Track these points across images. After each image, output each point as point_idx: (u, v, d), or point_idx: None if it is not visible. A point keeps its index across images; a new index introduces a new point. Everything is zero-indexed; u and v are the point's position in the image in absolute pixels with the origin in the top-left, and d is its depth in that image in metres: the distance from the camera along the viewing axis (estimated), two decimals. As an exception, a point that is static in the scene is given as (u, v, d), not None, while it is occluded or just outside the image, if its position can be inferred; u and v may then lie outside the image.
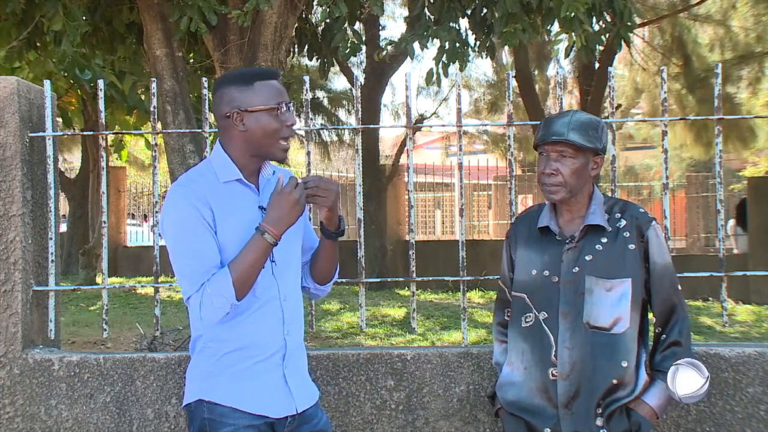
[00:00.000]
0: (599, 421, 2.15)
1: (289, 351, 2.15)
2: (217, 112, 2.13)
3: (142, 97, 8.55)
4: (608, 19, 5.65)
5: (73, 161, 20.02)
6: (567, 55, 5.70)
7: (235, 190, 2.11)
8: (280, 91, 2.11)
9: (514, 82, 12.14)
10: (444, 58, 5.35)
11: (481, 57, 5.45)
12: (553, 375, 2.19)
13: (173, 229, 2.06)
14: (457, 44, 5.35)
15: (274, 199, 2.05)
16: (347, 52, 5.17)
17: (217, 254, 2.05)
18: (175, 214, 2.06)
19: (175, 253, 2.06)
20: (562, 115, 2.25)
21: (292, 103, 2.14)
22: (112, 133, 3.62)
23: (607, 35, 5.70)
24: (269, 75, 2.13)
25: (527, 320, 2.27)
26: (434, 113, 15.87)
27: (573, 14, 4.90)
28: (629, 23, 5.58)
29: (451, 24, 5.39)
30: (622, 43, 5.69)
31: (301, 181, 2.09)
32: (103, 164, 3.04)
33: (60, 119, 9.44)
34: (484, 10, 5.63)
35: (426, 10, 5.56)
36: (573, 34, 5.09)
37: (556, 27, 5.58)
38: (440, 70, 5.44)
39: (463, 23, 5.92)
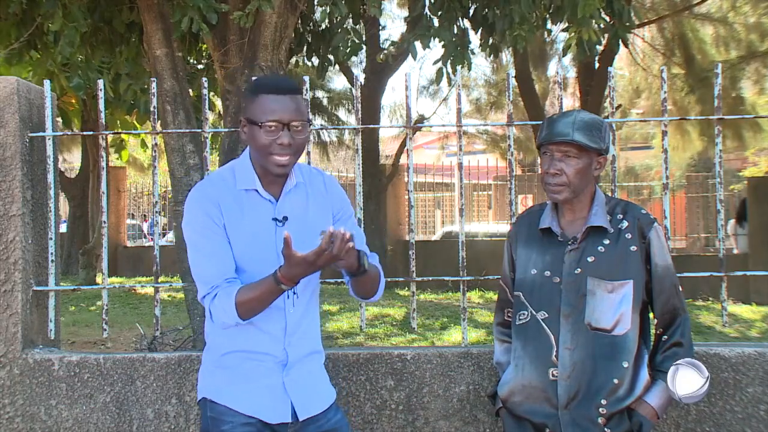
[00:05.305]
0: (601, 420, 2.15)
1: (291, 362, 2.12)
2: None
3: (140, 97, 8.53)
4: (607, 19, 5.65)
5: (73, 161, 20.02)
6: (564, 54, 5.70)
7: (250, 198, 2.10)
8: (278, 108, 2.01)
9: (513, 82, 12.14)
10: (449, 60, 5.34)
11: (485, 58, 5.44)
12: (553, 375, 2.19)
13: (189, 232, 2.09)
14: (459, 47, 5.34)
15: (295, 261, 1.88)
16: (348, 52, 5.16)
17: (230, 258, 2.05)
18: (189, 217, 2.09)
19: (191, 255, 2.09)
20: (565, 114, 2.24)
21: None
22: (112, 133, 3.61)
23: (606, 35, 5.70)
24: (277, 90, 2.02)
25: (521, 317, 2.28)
26: (434, 113, 15.89)
27: (589, 15, 4.88)
28: (627, 23, 5.58)
29: (454, 24, 5.38)
30: (620, 43, 5.69)
31: (324, 243, 1.88)
32: (103, 164, 3.04)
33: (60, 119, 9.43)
34: (486, 10, 5.63)
35: (426, 10, 5.55)
36: (581, 30, 5.06)
37: (556, 26, 5.58)
38: (448, 69, 5.43)
39: (465, 23, 5.91)
